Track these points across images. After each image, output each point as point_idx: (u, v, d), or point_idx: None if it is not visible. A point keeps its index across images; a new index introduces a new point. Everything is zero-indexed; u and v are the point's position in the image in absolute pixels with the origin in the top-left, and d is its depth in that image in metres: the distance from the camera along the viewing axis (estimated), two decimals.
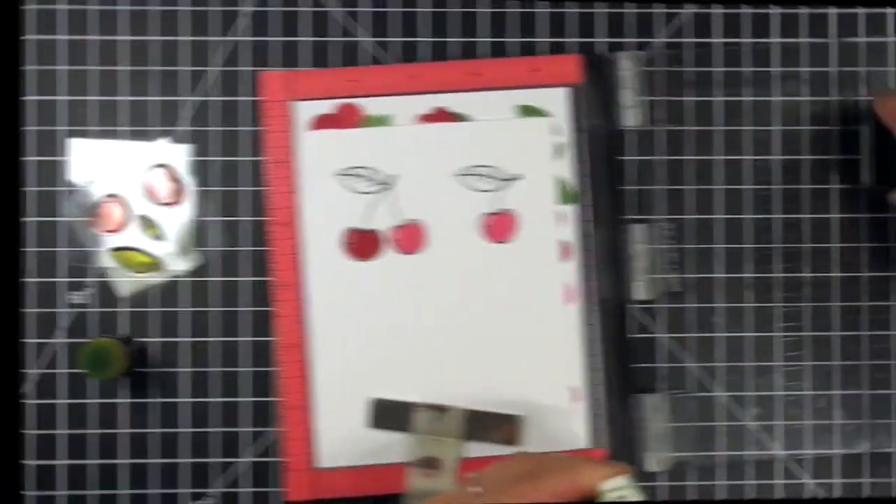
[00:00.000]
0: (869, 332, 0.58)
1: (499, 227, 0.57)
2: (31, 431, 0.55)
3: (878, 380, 0.58)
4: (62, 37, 0.56)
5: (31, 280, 0.55)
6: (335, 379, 0.56)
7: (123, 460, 0.56)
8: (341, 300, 0.56)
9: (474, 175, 0.57)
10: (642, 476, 0.56)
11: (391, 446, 0.55)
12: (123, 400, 0.56)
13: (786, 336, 0.57)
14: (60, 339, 0.55)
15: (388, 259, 0.56)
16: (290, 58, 0.56)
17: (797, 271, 0.57)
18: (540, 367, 0.56)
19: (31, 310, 0.55)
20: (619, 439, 0.56)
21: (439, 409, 0.56)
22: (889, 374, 0.58)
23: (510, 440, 0.56)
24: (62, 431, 0.55)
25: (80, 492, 0.55)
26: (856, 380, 0.57)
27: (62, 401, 0.55)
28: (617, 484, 0.44)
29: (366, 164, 0.56)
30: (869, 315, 0.58)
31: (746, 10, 0.58)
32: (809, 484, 0.57)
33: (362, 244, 0.56)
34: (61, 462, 0.55)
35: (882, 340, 0.58)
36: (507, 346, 0.56)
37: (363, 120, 0.56)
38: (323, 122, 0.56)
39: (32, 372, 0.55)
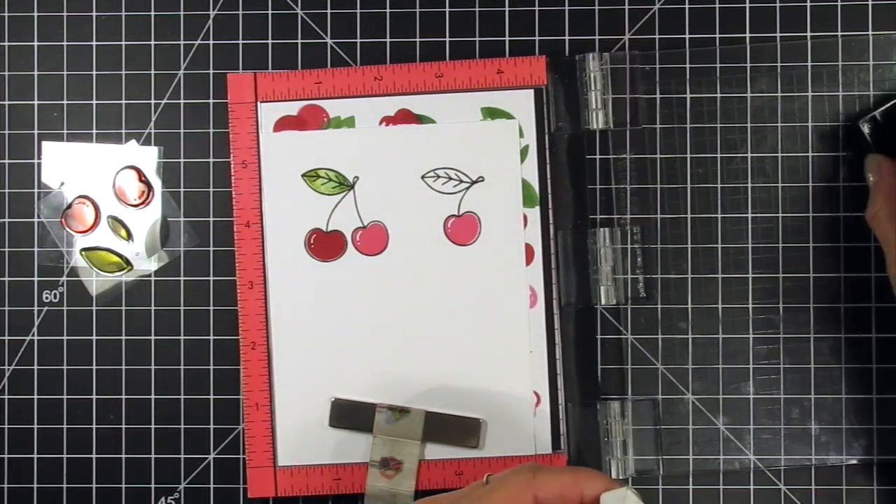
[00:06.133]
0: (846, 335, 0.56)
1: (463, 229, 0.56)
2: (5, 426, 0.57)
3: (856, 385, 0.56)
4: (35, 42, 0.58)
5: (4, 279, 0.57)
6: (297, 378, 0.56)
7: (94, 455, 0.57)
8: (305, 300, 0.56)
9: (438, 177, 0.57)
10: None
11: (352, 446, 0.56)
12: (93, 396, 0.57)
13: (759, 335, 0.56)
14: (33, 337, 0.57)
15: (352, 260, 0.56)
16: (255, 60, 0.57)
17: (771, 274, 0.56)
18: (503, 370, 0.56)
19: (4, 308, 0.57)
20: (583, 444, 0.56)
21: (400, 411, 0.56)
22: (870, 379, 0.56)
23: (471, 443, 0.56)
24: (36, 426, 0.57)
25: (53, 485, 0.57)
26: (834, 385, 0.56)
27: (35, 396, 0.57)
28: (620, 495, 0.43)
29: (330, 165, 0.57)
30: (845, 317, 0.56)
31: (718, 6, 0.57)
32: (784, 490, 0.56)
33: (326, 245, 0.57)
34: (35, 456, 0.57)
35: (862, 344, 0.56)
36: (470, 349, 0.56)
37: (327, 121, 0.57)
38: (287, 123, 0.57)
39: (7, 368, 0.57)
